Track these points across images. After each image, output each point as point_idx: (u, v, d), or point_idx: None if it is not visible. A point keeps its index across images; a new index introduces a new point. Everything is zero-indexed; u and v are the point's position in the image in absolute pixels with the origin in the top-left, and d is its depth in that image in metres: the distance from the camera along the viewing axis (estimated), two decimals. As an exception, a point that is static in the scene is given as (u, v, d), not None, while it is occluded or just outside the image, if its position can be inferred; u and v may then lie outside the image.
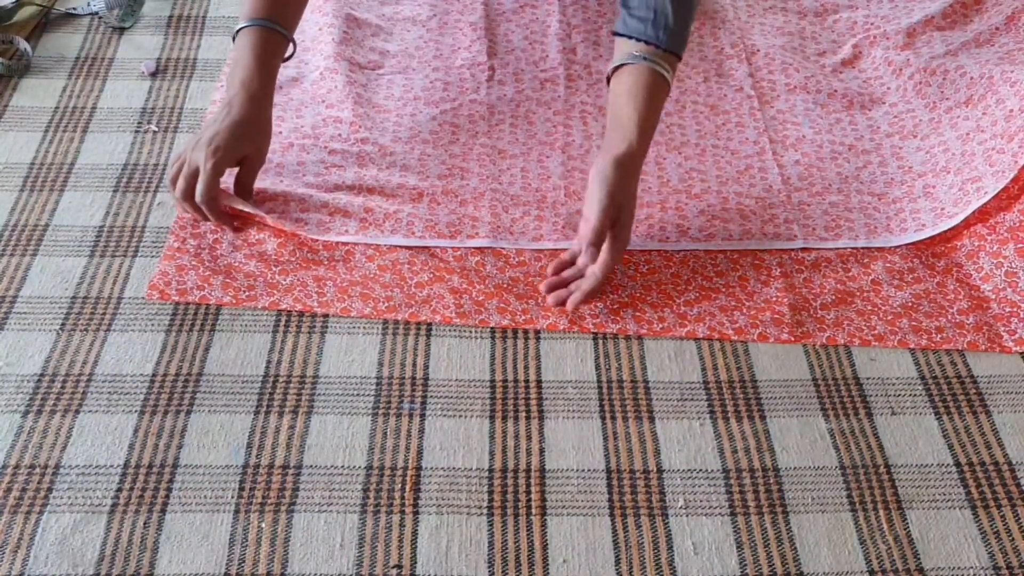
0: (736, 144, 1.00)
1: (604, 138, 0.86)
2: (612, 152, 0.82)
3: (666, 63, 0.85)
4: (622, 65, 0.85)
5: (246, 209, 0.87)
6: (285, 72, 1.05)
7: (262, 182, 0.92)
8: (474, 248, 0.87)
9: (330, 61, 1.05)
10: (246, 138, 0.86)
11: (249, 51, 0.87)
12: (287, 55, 0.92)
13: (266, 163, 0.94)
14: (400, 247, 0.87)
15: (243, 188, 0.89)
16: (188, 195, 0.86)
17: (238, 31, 0.88)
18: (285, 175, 0.94)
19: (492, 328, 0.82)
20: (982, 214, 0.88)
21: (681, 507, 0.70)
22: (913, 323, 0.83)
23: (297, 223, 0.88)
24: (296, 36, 1.11)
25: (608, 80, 0.88)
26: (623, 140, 0.82)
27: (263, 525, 0.68)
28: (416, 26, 1.13)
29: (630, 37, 0.86)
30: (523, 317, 0.83)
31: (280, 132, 0.98)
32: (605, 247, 0.81)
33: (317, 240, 0.87)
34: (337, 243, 0.88)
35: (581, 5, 1.15)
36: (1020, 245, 0.85)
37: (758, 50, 1.11)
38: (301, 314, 0.82)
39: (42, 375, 0.77)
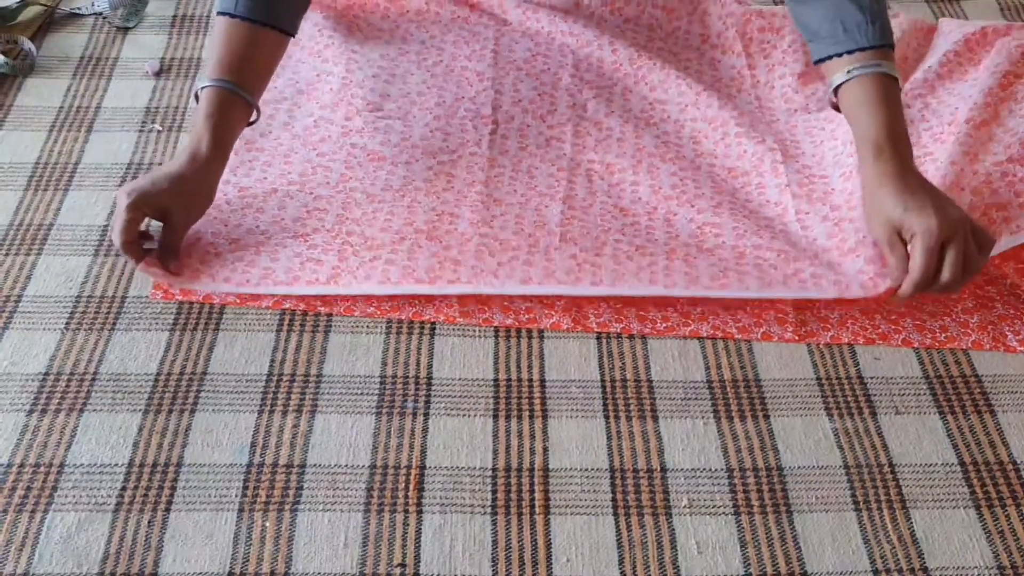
0: (755, 205, 0.91)
1: (859, 171, 0.81)
2: (868, 173, 0.78)
3: (877, 58, 0.80)
4: (838, 88, 0.82)
5: (159, 275, 0.82)
6: (276, 117, 0.99)
7: (236, 230, 0.87)
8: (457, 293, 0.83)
9: (327, 111, 1.00)
10: (173, 191, 0.80)
11: (206, 115, 0.82)
12: (250, 120, 0.87)
13: (245, 209, 0.89)
14: (373, 296, 0.83)
15: (164, 247, 0.82)
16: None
17: (201, 89, 0.83)
18: (263, 221, 0.88)
19: (496, 327, 0.82)
20: None
21: (685, 506, 0.70)
22: (917, 322, 0.83)
23: (265, 271, 0.83)
24: (291, 76, 1.04)
25: (835, 108, 0.84)
26: (875, 154, 0.78)
27: (267, 524, 0.68)
28: (420, 70, 1.05)
29: (830, 57, 0.82)
30: (526, 316, 0.83)
31: (266, 179, 0.93)
32: (948, 261, 0.74)
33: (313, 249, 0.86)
34: (337, 242, 0.86)
35: (596, 58, 1.07)
36: (1020, 265, 0.85)
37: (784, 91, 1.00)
38: (305, 313, 0.83)
39: (46, 374, 0.77)
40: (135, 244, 0.81)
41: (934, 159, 0.90)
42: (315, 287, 0.82)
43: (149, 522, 0.68)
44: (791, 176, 0.93)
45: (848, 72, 0.80)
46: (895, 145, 0.78)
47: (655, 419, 0.76)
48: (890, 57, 0.81)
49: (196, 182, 0.82)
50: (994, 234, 0.82)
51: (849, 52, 0.81)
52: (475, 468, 0.72)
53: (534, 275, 0.82)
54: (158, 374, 0.78)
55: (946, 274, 0.74)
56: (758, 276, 0.82)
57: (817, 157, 0.95)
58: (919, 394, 0.78)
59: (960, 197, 0.86)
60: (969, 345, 0.81)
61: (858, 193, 0.86)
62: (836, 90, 0.83)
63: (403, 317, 0.82)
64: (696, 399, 0.77)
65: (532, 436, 0.75)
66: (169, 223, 0.82)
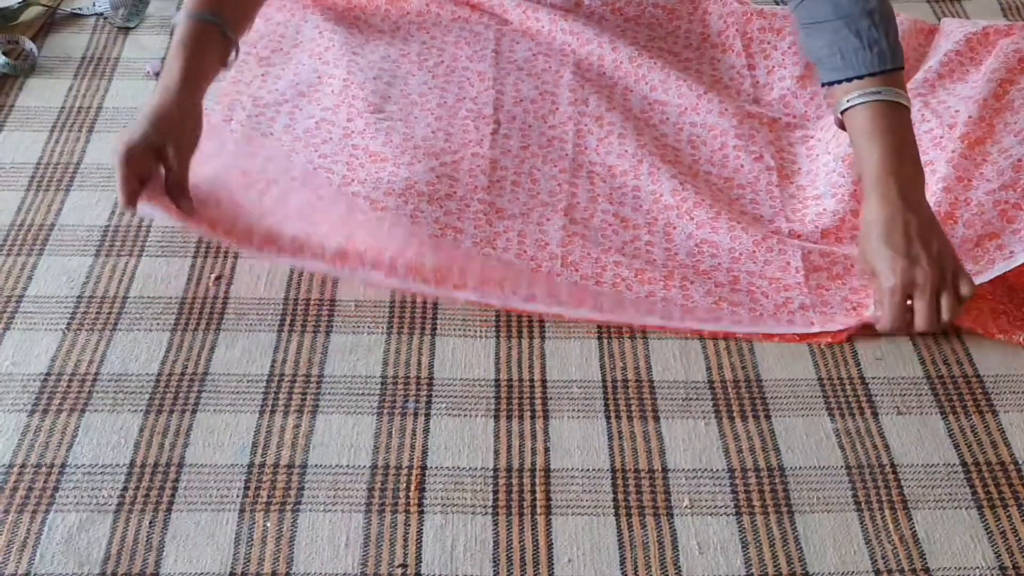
0: (750, 219, 0.91)
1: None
2: (864, 209, 0.80)
3: (877, 85, 0.80)
4: (844, 112, 0.81)
5: (168, 213, 0.78)
6: (278, 119, 0.99)
7: (239, 203, 0.85)
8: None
9: (328, 113, 1.00)
10: (158, 129, 0.78)
11: (178, 44, 0.80)
12: (229, 58, 0.85)
13: (248, 188, 0.87)
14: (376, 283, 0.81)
15: (173, 186, 0.80)
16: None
17: (175, 26, 0.82)
18: (265, 205, 0.86)
19: (497, 327, 0.82)
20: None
21: (686, 507, 0.70)
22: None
23: (267, 236, 0.80)
24: (292, 78, 1.04)
25: (842, 127, 0.84)
26: (866, 192, 0.80)
27: (268, 524, 0.68)
28: (421, 71, 1.05)
29: (835, 83, 0.82)
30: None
31: (267, 171, 0.91)
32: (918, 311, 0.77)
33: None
34: (342, 239, 0.84)
35: (597, 56, 1.06)
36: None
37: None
38: (306, 313, 0.82)
39: (48, 374, 0.77)
40: (138, 195, 0.78)
41: (933, 170, 0.90)
42: (320, 262, 0.79)
43: (150, 522, 0.68)
44: (785, 200, 0.93)
45: (848, 101, 0.80)
46: (890, 179, 0.79)
47: (656, 419, 0.76)
48: (892, 81, 0.80)
49: (177, 111, 0.80)
50: (988, 262, 0.83)
51: (848, 80, 0.81)
52: (476, 468, 0.72)
53: (538, 292, 0.82)
54: (159, 374, 0.78)
55: (919, 324, 0.78)
56: (750, 306, 0.83)
57: (812, 175, 0.95)
58: (920, 394, 0.78)
59: (954, 229, 0.86)
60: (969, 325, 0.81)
61: (850, 221, 0.89)
62: (843, 112, 0.83)
63: (407, 290, 0.81)
64: (697, 399, 0.77)
65: (533, 436, 0.75)
66: (167, 161, 0.80)
